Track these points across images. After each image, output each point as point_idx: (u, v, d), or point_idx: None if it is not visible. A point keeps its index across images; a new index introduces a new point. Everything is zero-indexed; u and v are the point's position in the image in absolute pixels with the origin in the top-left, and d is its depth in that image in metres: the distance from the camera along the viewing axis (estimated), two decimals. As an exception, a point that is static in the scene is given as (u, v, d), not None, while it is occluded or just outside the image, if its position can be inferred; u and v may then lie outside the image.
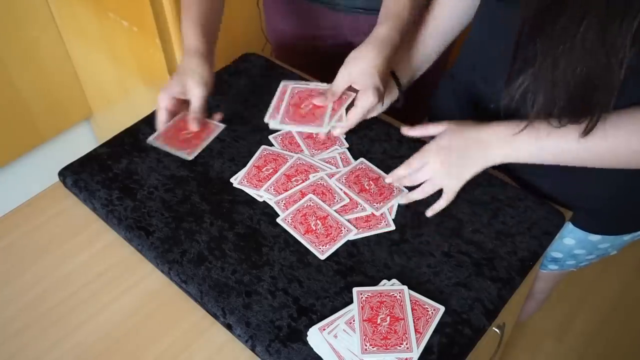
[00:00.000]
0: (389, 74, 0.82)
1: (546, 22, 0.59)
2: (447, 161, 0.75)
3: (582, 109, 0.62)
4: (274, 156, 0.86)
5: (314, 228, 0.77)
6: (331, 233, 0.76)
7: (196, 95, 0.84)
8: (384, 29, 0.79)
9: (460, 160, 0.74)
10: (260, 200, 0.81)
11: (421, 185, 0.78)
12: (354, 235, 0.76)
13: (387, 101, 0.87)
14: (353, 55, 0.79)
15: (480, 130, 0.73)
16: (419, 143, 0.90)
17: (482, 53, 0.83)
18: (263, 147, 0.88)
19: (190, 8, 0.88)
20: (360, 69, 0.78)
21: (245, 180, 0.83)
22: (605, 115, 0.63)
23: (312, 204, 0.79)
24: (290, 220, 0.78)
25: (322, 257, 0.74)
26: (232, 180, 0.84)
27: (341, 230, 0.76)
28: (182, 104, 0.87)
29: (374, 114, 0.84)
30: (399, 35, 0.80)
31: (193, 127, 0.86)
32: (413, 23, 0.84)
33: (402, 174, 0.79)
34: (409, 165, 0.78)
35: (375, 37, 0.79)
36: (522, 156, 0.72)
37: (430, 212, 0.78)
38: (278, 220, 0.78)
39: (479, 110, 0.85)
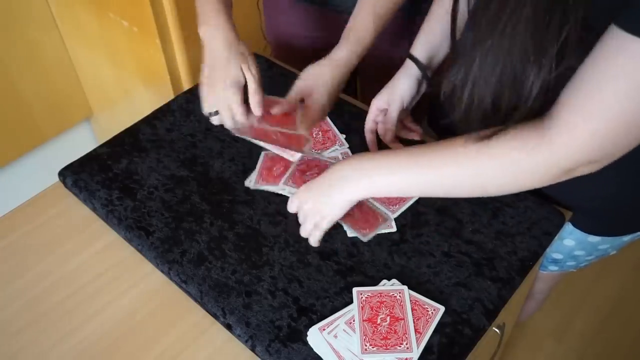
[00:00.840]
0: (338, 92, 0.84)
1: (479, 13, 0.58)
2: (315, 200, 0.71)
3: (503, 110, 0.60)
4: (278, 159, 0.86)
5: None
6: (369, 220, 0.78)
7: (253, 73, 0.78)
8: (344, 52, 0.81)
9: (324, 199, 0.71)
10: (284, 193, 0.81)
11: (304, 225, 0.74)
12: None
13: (414, 84, 0.87)
14: (318, 67, 0.81)
15: (344, 165, 0.70)
16: (419, 143, 0.91)
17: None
18: (264, 152, 0.88)
19: None
20: (321, 83, 0.80)
21: (260, 179, 0.83)
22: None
23: None
24: None
25: (365, 239, 0.76)
26: (246, 184, 0.83)
27: (378, 219, 0.78)
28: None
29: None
30: (357, 58, 0.82)
31: (257, 111, 0.78)
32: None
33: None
34: (289, 209, 0.75)
35: (337, 57, 0.81)
36: (382, 189, 0.68)
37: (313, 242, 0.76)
38: None
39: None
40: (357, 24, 0.83)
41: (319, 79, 0.80)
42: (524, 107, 0.57)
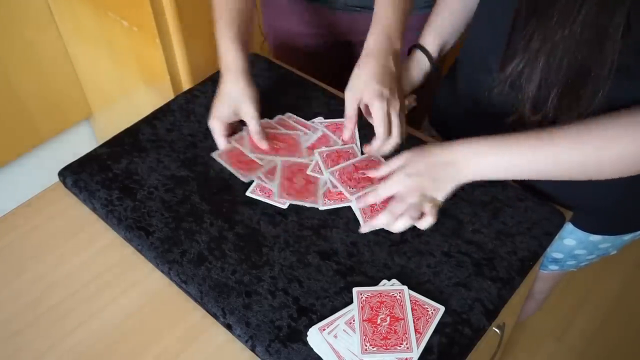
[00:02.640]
0: (395, 78, 0.82)
1: (543, 6, 0.59)
2: (420, 187, 0.72)
3: (572, 99, 0.62)
4: (299, 166, 0.86)
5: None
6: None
7: (253, 117, 0.84)
8: (371, 41, 0.80)
9: (432, 184, 0.72)
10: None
11: (400, 217, 0.73)
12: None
13: (421, 77, 0.88)
14: (354, 73, 0.80)
15: (445, 150, 0.71)
16: (419, 143, 0.90)
17: (483, 47, 0.82)
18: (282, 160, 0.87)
19: (224, 13, 0.85)
20: (361, 83, 0.78)
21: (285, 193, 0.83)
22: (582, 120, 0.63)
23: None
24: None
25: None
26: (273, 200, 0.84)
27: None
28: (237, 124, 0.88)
29: (398, 113, 0.79)
30: (388, 39, 0.80)
31: (263, 145, 0.85)
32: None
33: (371, 201, 0.76)
34: (378, 196, 0.75)
35: (365, 52, 0.80)
36: (490, 172, 0.70)
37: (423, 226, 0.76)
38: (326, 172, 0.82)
39: (480, 110, 0.85)
40: (378, 15, 0.82)
41: (361, 75, 0.78)
42: (597, 94, 0.59)
